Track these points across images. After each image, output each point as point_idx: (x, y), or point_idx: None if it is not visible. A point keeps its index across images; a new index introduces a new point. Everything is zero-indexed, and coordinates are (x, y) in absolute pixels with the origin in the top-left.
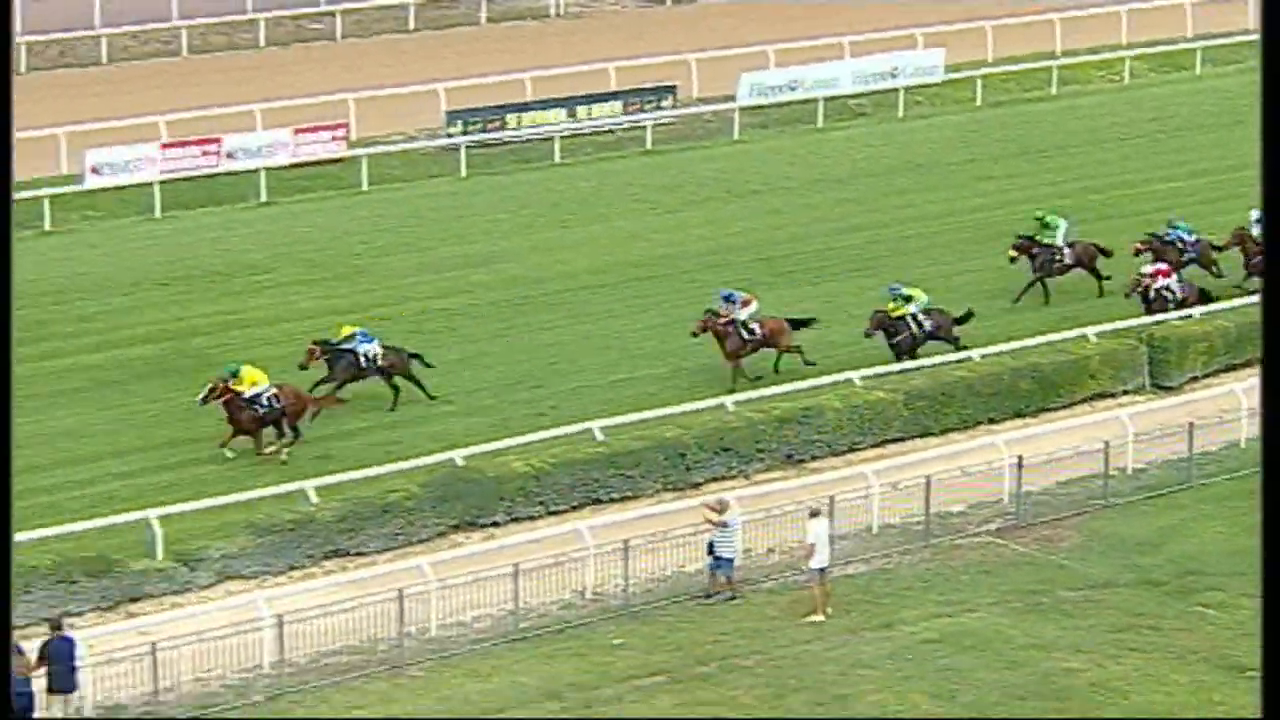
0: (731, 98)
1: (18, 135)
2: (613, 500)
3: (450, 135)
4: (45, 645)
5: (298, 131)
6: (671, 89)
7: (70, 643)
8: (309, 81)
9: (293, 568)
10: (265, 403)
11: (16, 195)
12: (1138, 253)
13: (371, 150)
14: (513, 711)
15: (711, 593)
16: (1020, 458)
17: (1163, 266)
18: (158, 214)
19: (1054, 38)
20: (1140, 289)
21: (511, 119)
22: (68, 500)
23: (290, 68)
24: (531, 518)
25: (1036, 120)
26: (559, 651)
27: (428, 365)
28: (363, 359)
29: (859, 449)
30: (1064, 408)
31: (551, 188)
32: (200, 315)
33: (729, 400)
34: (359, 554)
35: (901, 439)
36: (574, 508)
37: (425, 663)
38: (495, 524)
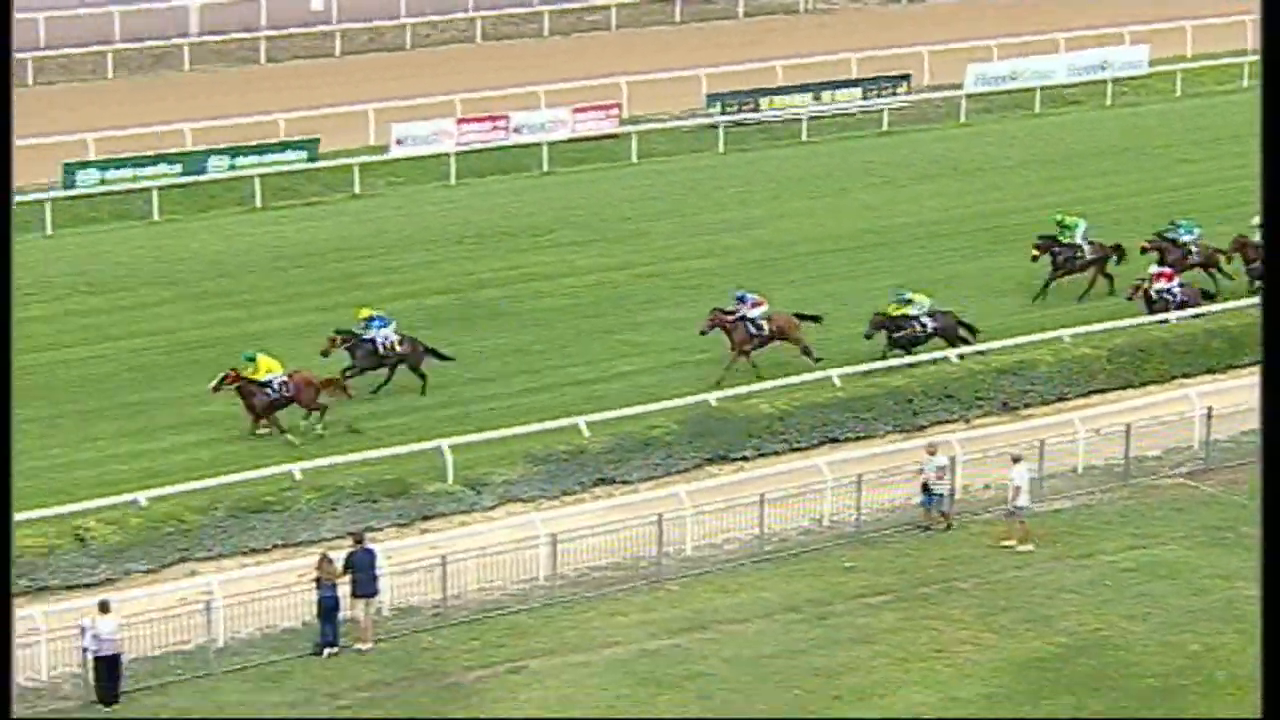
0: (959, 86)
1: (330, 111)
2: (848, 439)
3: (710, 115)
4: (350, 556)
5: (576, 110)
6: (906, 77)
7: (371, 554)
8: (586, 66)
9: (565, 493)
10: (275, 389)
11: (329, 164)
12: (1144, 250)
13: (640, 128)
14: (757, 622)
15: (928, 526)
16: (1210, 409)
17: (1166, 270)
18: (452, 181)
19: (1246, 36)
20: (1142, 293)
21: (764, 102)
22: (373, 429)
23: (570, 54)
24: (776, 453)
25: (1230, 111)
26: (798, 571)
27: (443, 358)
28: (381, 346)
29: (1067, 399)
30: (1250, 365)
31: (798, 163)
32: (489, 270)
33: (952, 354)
34: (624, 482)
35: (1105, 390)
36: (814, 445)
37: (681, 579)
38: (744, 458)
